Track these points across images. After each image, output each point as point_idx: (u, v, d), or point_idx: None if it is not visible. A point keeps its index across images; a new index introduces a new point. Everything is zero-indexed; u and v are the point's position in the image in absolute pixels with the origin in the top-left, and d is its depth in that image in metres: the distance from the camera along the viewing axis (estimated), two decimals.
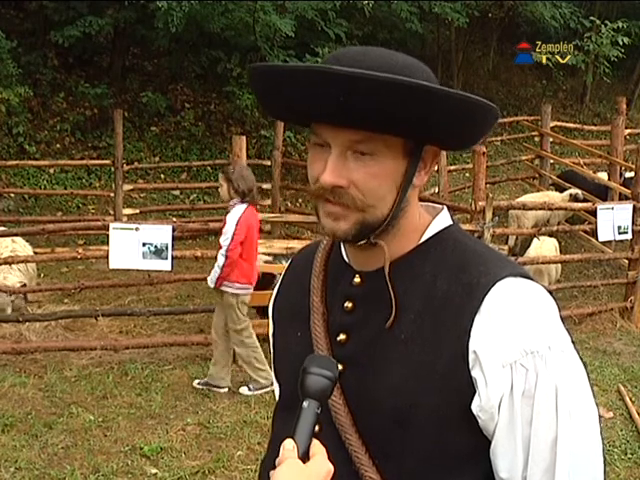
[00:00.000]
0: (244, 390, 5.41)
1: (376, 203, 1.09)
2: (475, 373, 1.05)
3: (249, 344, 5.36)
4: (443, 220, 1.19)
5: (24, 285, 6.71)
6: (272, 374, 1.36)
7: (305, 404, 1.00)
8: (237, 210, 5.18)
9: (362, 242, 1.12)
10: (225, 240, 5.13)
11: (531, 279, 1.11)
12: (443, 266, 1.13)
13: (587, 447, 1.05)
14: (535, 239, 8.01)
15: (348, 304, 1.17)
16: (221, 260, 5.14)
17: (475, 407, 1.05)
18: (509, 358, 1.04)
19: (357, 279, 1.17)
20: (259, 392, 5.35)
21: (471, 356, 1.05)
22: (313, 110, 1.06)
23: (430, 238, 1.16)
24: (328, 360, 1.07)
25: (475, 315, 1.06)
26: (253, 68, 1.11)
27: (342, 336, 1.16)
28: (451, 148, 1.21)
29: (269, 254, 6.47)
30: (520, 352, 1.04)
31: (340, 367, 1.13)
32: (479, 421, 1.06)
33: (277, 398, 1.33)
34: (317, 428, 1.11)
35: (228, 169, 5.42)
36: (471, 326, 1.06)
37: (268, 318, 1.39)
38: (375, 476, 1.09)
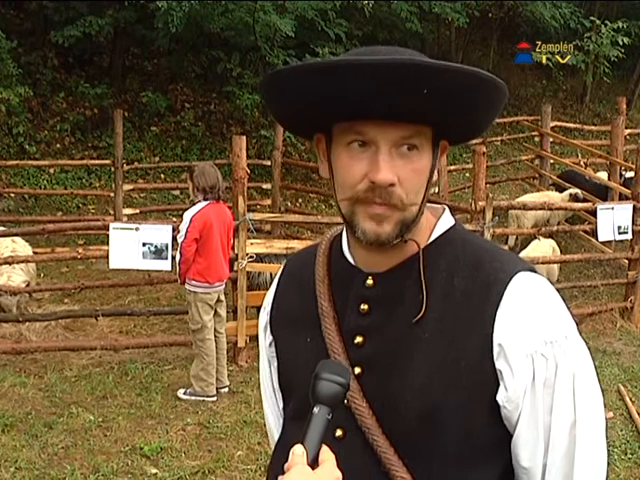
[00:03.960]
0: (180, 392, 5.35)
1: (415, 200, 1.09)
2: (500, 365, 1.07)
3: (201, 349, 5.27)
4: (448, 220, 1.20)
5: (28, 284, 6.72)
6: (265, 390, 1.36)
7: (316, 410, 1.00)
8: (195, 207, 5.19)
9: (396, 241, 1.11)
10: (180, 237, 5.15)
11: (537, 273, 1.15)
12: (457, 265, 1.14)
13: (599, 430, 1.10)
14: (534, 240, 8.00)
15: (364, 306, 1.16)
16: (177, 257, 5.20)
17: (501, 398, 1.07)
18: (531, 348, 1.07)
19: (370, 281, 1.17)
20: (192, 398, 5.28)
21: (496, 349, 1.07)
22: (361, 107, 1.03)
23: (438, 237, 1.18)
24: (340, 366, 1.07)
25: (497, 309, 1.09)
26: (279, 71, 1.08)
27: (359, 339, 1.16)
28: (460, 138, 1.21)
29: (267, 254, 6.43)
30: (540, 342, 1.07)
31: (358, 370, 1.14)
32: (504, 412, 1.08)
33: (266, 415, 1.35)
34: (340, 433, 1.11)
35: (193, 167, 5.43)
36: (494, 320, 1.08)
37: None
38: (406, 476, 1.09)
